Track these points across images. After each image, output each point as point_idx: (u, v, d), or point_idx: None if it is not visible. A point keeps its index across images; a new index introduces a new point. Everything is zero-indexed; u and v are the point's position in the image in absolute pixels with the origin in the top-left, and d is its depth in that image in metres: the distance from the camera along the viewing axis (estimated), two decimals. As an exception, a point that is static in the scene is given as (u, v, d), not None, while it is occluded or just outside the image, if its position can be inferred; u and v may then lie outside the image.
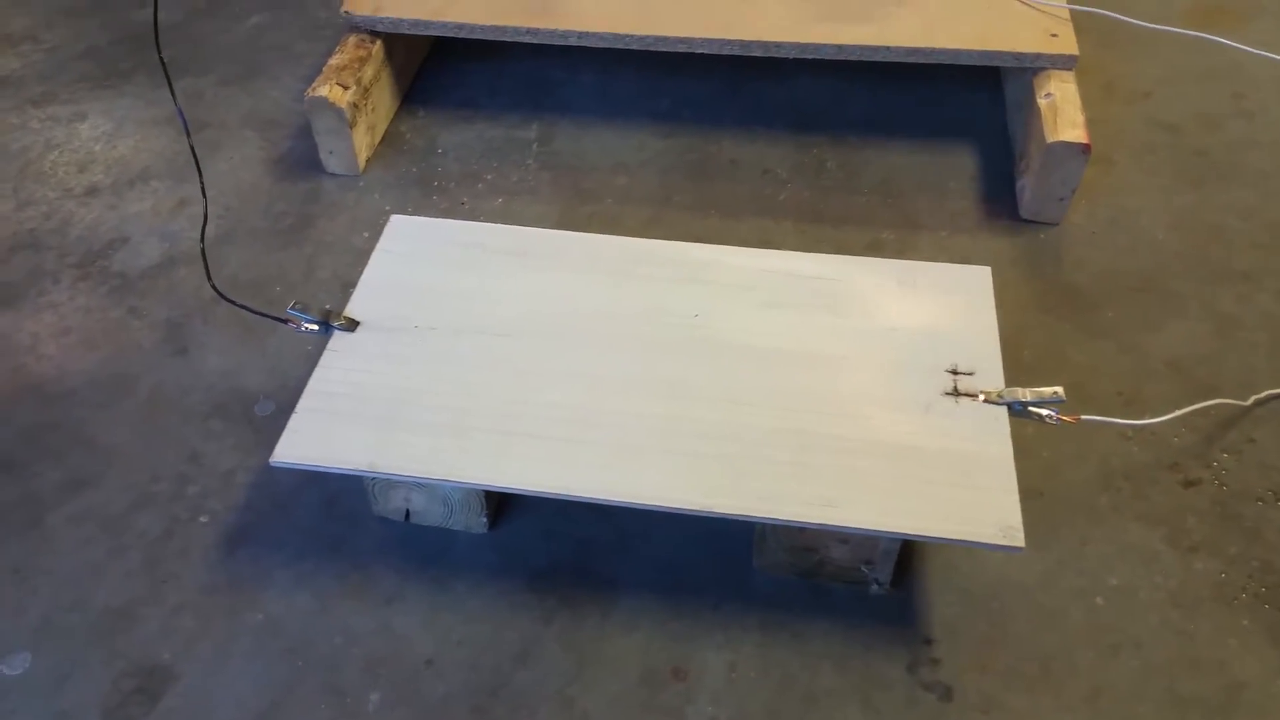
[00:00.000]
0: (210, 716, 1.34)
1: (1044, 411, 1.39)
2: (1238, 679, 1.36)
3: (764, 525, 1.39)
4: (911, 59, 1.97)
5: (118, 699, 1.36)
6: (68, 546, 1.51)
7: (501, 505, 1.54)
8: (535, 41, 2.06)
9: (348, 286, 1.59)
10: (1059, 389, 1.38)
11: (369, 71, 2.04)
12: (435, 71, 2.31)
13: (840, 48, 1.97)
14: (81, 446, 1.63)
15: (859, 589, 1.44)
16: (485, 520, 1.50)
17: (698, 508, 1.30)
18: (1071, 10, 2.03)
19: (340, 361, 1.47)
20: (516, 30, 2.04)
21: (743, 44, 1.99)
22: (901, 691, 1.35)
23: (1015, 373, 1.64)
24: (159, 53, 1.68)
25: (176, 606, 1.44)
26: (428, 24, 2.07)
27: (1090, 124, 1.87)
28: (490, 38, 2.06)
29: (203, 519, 1.54)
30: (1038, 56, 1.95)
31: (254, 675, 1.38)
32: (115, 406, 1.69)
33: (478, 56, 2.33)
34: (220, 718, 1.34)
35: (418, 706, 1.34)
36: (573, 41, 2.04)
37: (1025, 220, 1.95)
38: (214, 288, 1.58)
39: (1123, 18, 2.15)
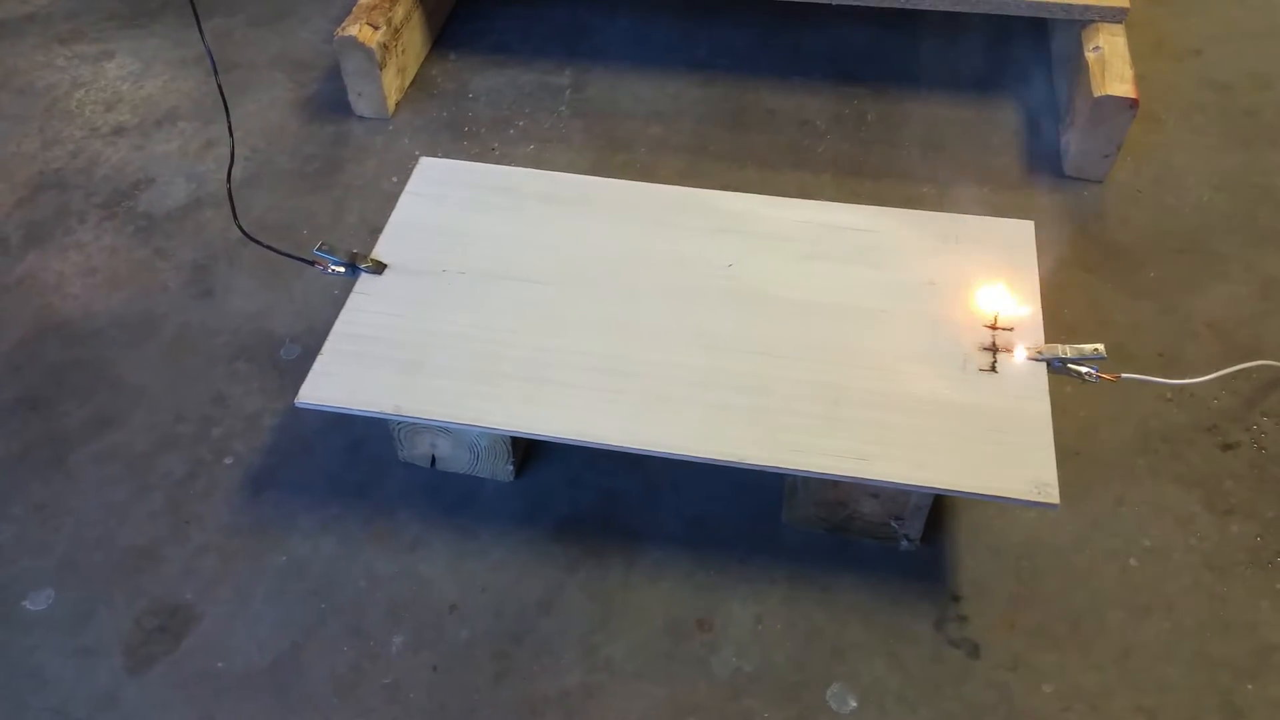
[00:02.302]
0: (232, 656, 1.34)
1: (1083, 369, 1.36)
2: (1269, 642, 1.33)
3: (794, 478, 1.37)
4: (957, 8, 1.92)
5: (140, 637, 1.36)
6: (92, 485, 1.51)
7: (528, 453, 1.52)
8: (569, -15, 2.02)
9: (375, 231, 1.57)
10: (1099, 346, 1.35)
11: (400, 11, 2.01)
12: (468, 15, 2.28)
13: (883, -5, 1.92)
14: (107, 386, 1.63)
15: (888, 545, 1.42)
16: (511, 468, 1.48)
17: (727, 458, 1.28)
18: (1122, -39, 1.97)
19: (367, 304, 1.45)
20: (550, -27, 2.01)
21: (781, -10, 1.95)
22: (928, 647, 1.33)
23: (1055, 330, 1.60)
24: (188, -10, 1.66)
25: (200, 547, 1.44)
26: (460, -35, 2.03)
27: (1139, 80, 1.82)
28: (523, -20, 2.03)
29: (227, 461, 1.53)
30: (1087, 9, 1.89)
31: (276, 616, 1.37)
32: (141, 347, 1.68)
33: (512, 0, 2.29)
34: (242, 657, 1.34)
35: (440, 650, 1.34)
36: (607, -15, 2.00)
37: (1069, 177, 1.90)
38: (241, 229, 1.56)
39: (1174, -30, 2.10)
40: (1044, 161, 1.93)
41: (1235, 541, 1.43)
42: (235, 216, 1.58)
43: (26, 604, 1.39)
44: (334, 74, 2.09)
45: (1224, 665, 1.32)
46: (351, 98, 2.03)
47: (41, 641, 1.35)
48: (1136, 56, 1.88)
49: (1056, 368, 1.37)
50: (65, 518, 1.48)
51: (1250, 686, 1.29)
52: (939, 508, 1.44)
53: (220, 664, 1.33)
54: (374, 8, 1.98)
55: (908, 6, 1.93)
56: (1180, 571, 1.40)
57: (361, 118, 2.05)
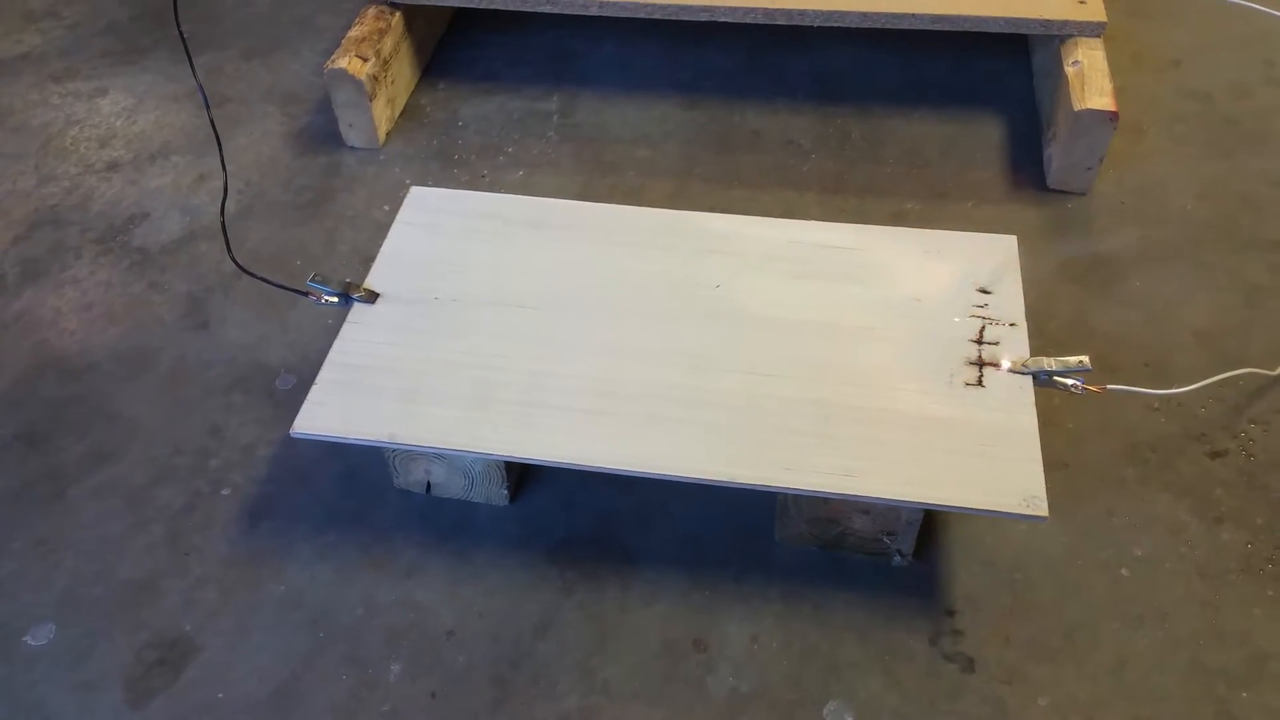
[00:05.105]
0: (232, 687, 1.34)
1: (1069, 381, 1.37)
2: (1263, 650, 1.34)
3: (786, 496, 1.38)
4: (937, 26, 1.94)
5: (140, 670, 1.36)
6: (91, 519, 1.52)
7: (522, 477, 1.53)
8: (556, 11, 2.04)
9: (368, 260, 1.58)
10: (1085, 358, 1.36)
11: (388, 43, 2.03)
12: (455, 43, 2.30)
13: (865, 15, 1.94)
14: (104, 420, 1.64)
15: (881, 561, 1.43)
16: (506, 492, 1.49)
17: (719, 478, 1.29)
18: (1100, -24, 1.99)
19: (360, 333, 1.47)
20: (538, 0, 2.03)
21: (766, 13, 1.97)
22: (924, 663, 1.34)
23: (1041, 343, 1.62)
24: (179, 28, 1.67)
25: (198, 579, 1.45)
26: (447, -6, 2.06)
27: (1119, 92, 1.84)
28: (511, 8, 2.05)
29: (224, 492, 1.54)
30: (1065, 24, 1.91)
31: (275, 646, 1.38)
32: (137, 381, 1.69)
33: (498, 28, 2.32)
34: (242, 688, 1.34)
35: (439, 677, 1.34)
36: (594, 11, 2.02)
37: (1052, 190, 1.92)
38: (235, 261, 1.58)
39: (1152, -16, 2.12)
40: (1027, 175, 1.95)
41: (1226, 549, 1.44)
42: (229, 249, 1.60)
43: (28, 639, 1.40)
44: (325, 106, 2.11)
45: (1219, 674, 1.32)
46: (342, 129, 2.05)
47: (43, 676, 1.36)
48: (1116, 69, 1.90)
49: (1043, 380, 1.38)
50: (65, 552, 1.49)
51: (1245, 695, 1.30)
52: (931, 522, 1.45)
53: (221, 695, 1.34)
54: (363, 40, 2.00)
55: (888, 27, 1.95)
56: (1172, 581, 1.41)
57: (353, 148, 2.07)
